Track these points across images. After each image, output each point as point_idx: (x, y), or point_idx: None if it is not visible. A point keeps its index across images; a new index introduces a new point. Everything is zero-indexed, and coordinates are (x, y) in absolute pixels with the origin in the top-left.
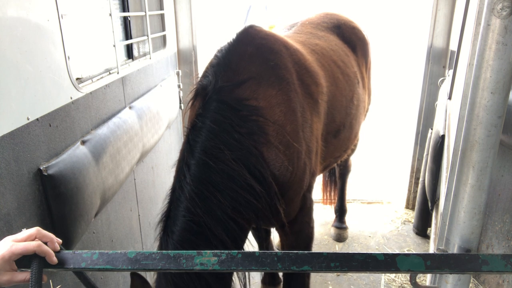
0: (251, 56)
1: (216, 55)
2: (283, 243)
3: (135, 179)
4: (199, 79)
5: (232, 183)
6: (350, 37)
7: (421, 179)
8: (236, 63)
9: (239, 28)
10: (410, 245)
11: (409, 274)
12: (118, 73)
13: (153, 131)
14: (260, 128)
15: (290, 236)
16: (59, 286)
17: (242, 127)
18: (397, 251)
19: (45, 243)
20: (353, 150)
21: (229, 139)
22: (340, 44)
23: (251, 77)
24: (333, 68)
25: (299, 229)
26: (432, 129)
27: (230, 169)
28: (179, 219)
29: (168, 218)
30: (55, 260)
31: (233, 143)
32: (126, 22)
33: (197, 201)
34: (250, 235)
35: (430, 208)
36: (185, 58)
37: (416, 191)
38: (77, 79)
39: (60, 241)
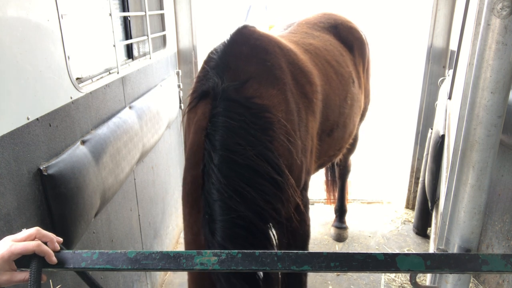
0: (247, 56)
1: (211, 57)
2: (280, 241)
3: (135, 179)
4: (197, 81)
5: (259, 177)
6: (346, 37)
7: (421, 179)
8: (234, 63)
9: (233, 28)
10: (410, 245)
11: (409, 274)
12: (118, 73)
13: (153, 131)
14: (271, 124)
15: (286, 234)
16: (59, 286)
17: (256, 123)
18: (397, 251)
19: (45, 243)
20: (350, 150)
21: (247, 135)
22: (336, 44)
23: (251, 77)
24: (327, 68)
25: (295, 227)
26: (432, 129)
27: (255, 164)
28: (222, 218)
29: (210, 220)
30: (54, 260)
31: (251, 139)
32: (126, 22)
33: (236, 198)
34: None
35: (430, 208)
36: (185, 58)
37: (416, 191)
38: (77, 79)
39: (61, 240)
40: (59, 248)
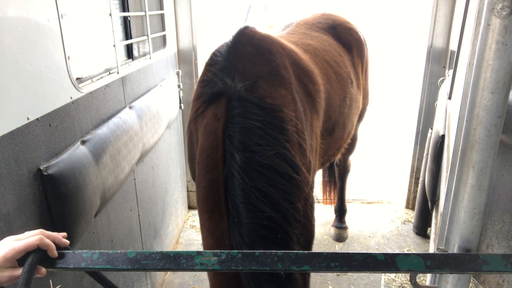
0: (252, 56)
1: (215, 59)
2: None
3: (135, 179)
4: (202, 85)
5: (280, 177)
6: (345, 38)
7: (421, 179)
8: (241, 64)
9: (235, 29)
10: (410, 245)
11: (409, 274)
12: (118, 73)
13: (153, 131)
14: (286, 123)
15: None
16: (59, 286)
17: (271, 123)
18: (397, 251)
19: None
20: (349, 150)
21: (265, 135)
22: (334, 45)
23: (259, 77)
24: (326, 68)
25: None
26: (432, 129)
27: (275, 164)
28: (249, 220)
29: (239, 223)
30: (55, 253)
31: (269, 139)
32: (126, 22)
33: (262, 199)
34: None
35: (430, 208)
36: (185, 58)
37: (416, 191)
38: (77, 79)
39: (65, 235)
40: (68, 243)
